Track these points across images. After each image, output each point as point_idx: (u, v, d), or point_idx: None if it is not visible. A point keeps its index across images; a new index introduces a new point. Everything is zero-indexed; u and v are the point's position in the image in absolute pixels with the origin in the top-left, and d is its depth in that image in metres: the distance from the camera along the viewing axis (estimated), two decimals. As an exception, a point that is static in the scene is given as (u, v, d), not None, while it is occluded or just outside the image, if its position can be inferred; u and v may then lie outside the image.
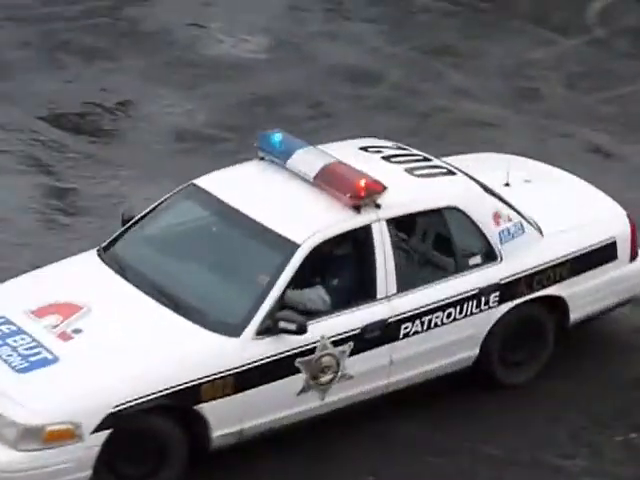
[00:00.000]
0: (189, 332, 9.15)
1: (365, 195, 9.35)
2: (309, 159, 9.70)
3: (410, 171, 10.01)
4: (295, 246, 9.29)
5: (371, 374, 9.60)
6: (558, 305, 10.24)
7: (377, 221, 9.48)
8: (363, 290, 9.53)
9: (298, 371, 9.23)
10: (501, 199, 10.24)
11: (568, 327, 10.33)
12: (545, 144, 13.56)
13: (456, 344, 9.85)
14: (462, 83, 14.91)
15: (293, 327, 9.05)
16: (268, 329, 9.06)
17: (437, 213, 9.87)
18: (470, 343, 9.94)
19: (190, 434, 9.04)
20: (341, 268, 9.66)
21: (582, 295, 10.26)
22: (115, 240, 10.01)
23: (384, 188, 9.43)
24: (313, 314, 9.30)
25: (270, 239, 9.47)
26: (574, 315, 10.28)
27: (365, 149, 10.37)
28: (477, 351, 10.00)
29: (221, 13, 15.93)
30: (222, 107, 14.18)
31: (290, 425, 9.40)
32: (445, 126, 13.95)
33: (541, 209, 10.51)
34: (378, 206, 9.47)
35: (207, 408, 9.01)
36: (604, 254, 10.37)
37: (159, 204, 10.12)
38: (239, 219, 9.66)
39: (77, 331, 9.08)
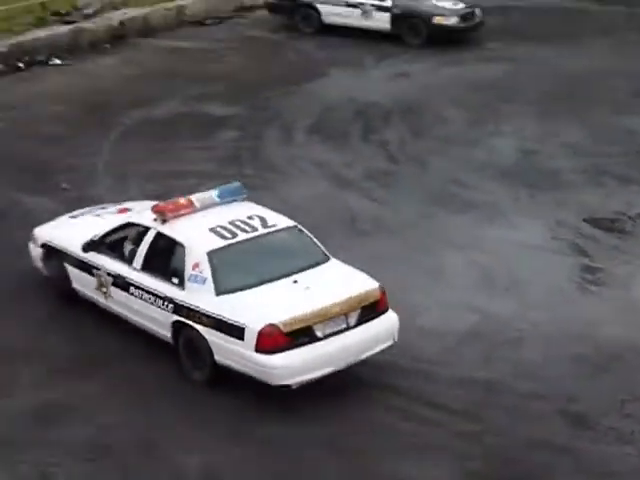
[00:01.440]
0: None
1: (155, 212, 10.94)
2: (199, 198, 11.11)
3: (213, 229, 10.60)
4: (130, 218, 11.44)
5: (123, 305, 11.02)
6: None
7: (154, 229, 10.86)
8: (130, 257, 10.96)
9: (93, 275, 11.26)
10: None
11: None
12: None
13: (155, 318, 10.63)
14: None
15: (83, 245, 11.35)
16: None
17: (172, 242, 10.66)
18: (163, 324, 10.57)
19: None
20: (132, 241, 11.08)
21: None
22: None
23: (168, 215, 10.77)
24: (108, 253, 11.21)
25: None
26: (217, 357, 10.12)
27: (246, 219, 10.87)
28: (169, 334, 10.56)
29: None
30: None
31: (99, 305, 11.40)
32: None
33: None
34: (164, 223, 10.83)
35: None
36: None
37: None
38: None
39: None
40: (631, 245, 13.35)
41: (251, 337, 9.80)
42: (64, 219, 12.64)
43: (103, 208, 12.84)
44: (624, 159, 15.90)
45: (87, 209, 12.90)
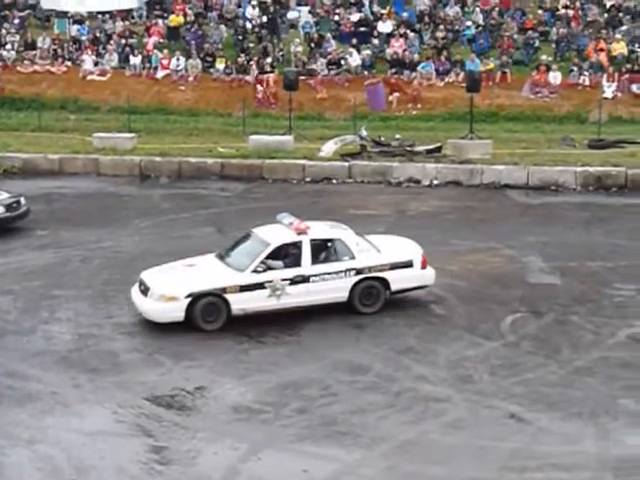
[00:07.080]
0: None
1: (298, 231, 16.92)
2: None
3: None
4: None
5: (288, 296, 16.51)
6: None
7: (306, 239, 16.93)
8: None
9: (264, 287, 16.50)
10: None
11: None
12: (477, 414, 13.67)
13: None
14: (421, 372, 14.98)
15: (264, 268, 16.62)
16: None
17: (330, 241, 17.09)
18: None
19: None
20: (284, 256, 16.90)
21: None
22: None
23: (307, 230, 16.92)
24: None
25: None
26: None
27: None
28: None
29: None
30: (265, 389, 14.38)
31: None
32: (411, 402, 13.96)
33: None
34: (306, 234, 16.92)
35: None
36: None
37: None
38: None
39: None
40: (192, 420, 13.58)
41: None
42: None
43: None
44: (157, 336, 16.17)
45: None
